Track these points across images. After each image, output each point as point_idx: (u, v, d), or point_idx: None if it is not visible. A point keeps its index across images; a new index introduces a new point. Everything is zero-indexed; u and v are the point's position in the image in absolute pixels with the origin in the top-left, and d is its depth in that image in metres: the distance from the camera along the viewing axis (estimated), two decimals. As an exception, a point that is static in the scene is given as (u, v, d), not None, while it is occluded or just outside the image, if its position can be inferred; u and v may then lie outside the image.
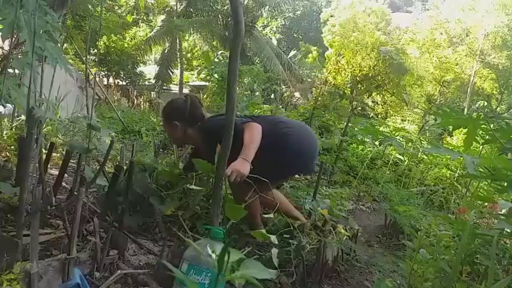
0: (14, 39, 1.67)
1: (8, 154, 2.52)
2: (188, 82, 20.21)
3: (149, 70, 19.15)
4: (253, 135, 1.89)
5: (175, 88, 19.29)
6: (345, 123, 4.56)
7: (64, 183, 2.17)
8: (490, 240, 1.36)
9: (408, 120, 13.13)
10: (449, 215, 3.06)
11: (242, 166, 1.75)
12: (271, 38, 22.50)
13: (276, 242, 1.70)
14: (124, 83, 16.43)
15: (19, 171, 1.68)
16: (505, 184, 1.25)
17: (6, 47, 2.02)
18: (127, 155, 2.54)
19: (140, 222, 1.97)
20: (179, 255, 1.43)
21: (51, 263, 1.29)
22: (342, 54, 12.93)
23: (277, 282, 1.74)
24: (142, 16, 18.23)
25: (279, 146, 1.99)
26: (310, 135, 2.17)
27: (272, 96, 15.72)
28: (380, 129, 4.66)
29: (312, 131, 2.32)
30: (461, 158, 1.34)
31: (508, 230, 1.31)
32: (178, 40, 17.87)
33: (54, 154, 2.77)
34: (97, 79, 11.15)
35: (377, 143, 4.66)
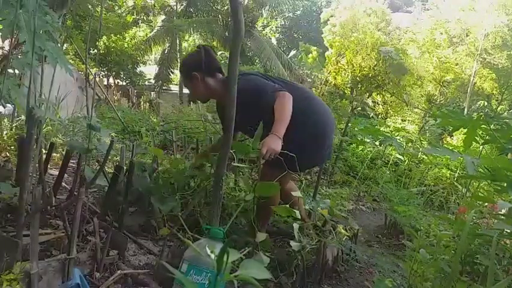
0: (14, 39, 1.67)
1: (8, 154, 2.52)
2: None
3: (149, 70, 19.16)
4: (286, 108, 1.82)
5: (175, 88, 19.29)
6: (345, 123, 4.55)
7: (63, 183, 2.17)
8: (490, 240, 1.36)
9: (409, 120, 13.12)
10: (449, 215, 3.06)
11: (275, 143, 1.72)
12: (271, 38, 22.50)
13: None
14: (124, 83, 16.43)
15: (19, 171, 1.68)
16: (505, 184, 1.25)
17: (6, 47, 2.02)
18: (127, 155, 2.54)
19: (140, 222, 1.97)
20: (180, 255, 1.43)
21: (51, 263, 1.29)
22: (343, 55, 12.92)
23: (277, 283, 1.74)
24: (142, 16, 18.22)
25: (307, 124, 1.96)
26: (331, 117, 2.16)
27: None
28: (380, 129, 4.66)
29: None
30: (461, 158, 1.34)
31: (508, 230, 1.31)
32: (178, 40, 17.88)
33: (54, 154, 2.77)
34: (97, 79, 11.15)
35: (377, 143, 4.66)
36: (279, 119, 1.80)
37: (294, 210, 1.73)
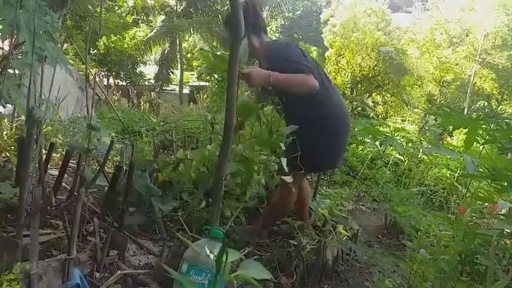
0: (14, 39, 1.67)
1: (8, 154, 2.52)
2: (188, 82, 20.21)
3: (149, 70, 19.16)
4: (301, 82, 1.77)
5: (175, 88, 19.30)
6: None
7: (63, 184, 2.17)
8: (490, 240, 1.36)
9: (409, 120, 13.12)
10: (449, 215, 3.06)
11: (261, 75, 1.72)
12: (271, 39, 22.47)
13: None
14: (124, 83, 16.43)
15: (19, 172, 1.68)
16: (505, 184, 1.25)
17: (6, 47, 2.02)
18: (127, 155, 2.54)
19: (140, 221, 1.97)
20: (180, 255, 1.43)
21: (51, 263, 1.29)
22: (342, 55, 12.92)
23: (277, 283, 1.74)
24: (142, 16, 18.22)
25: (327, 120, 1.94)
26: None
27: (272, 96, 15.67)
28: (380, 129, 4.66)
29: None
30: (461, 158, 1.34)
31: (508, 230, 1.31)
32: (178, 40, 17.88)
33: (54, 154, 2.77)
34: (97, 79, 11.15)
35: (377, 143, 4.66)
36: (288, 76, 1.77)
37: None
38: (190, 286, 0.93)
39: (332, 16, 14.30)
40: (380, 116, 13.36)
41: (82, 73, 7.83)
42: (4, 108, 2.94)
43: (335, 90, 2.09)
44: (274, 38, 24.21)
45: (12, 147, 2.58)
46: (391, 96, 13.12)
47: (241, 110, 1.76)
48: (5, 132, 2.80)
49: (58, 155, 2.98)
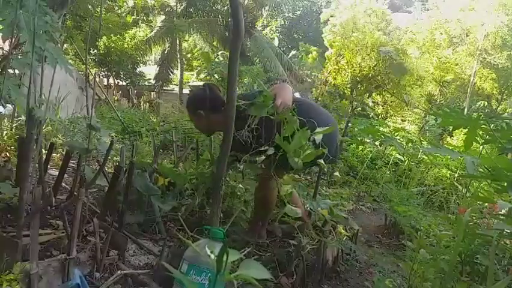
0: (14, 39, 1.67)
1: (8, 154, 2.52)
2: (188, 82, 20.23)
3: (149, 70, 19.17)
4: (287, 93, 1.87)
5: (175, 88, 19.30)
6: (345, 123, 4.56)
7: (63, 184, 2.17)
8: (490, 240, 1.36)
9: (409, 120, 13.12)
10: (449, 215, 3.06)
11: (288, 94, 1.82)
12: (273, 39, 22.50)
13: None
14: (124, 84, 16.44)
15: (19, 172, 1.68)
16: (505, 184, 1.25)
17: (6, 47, 2.02)
18: (127, 155, 2.54)
19: (141, 221, 1.97)
20: (180, 255, 1.43)
21: (51, 263, 1.29)
22: (342, 55, 12.92)
23: (277, 283, 1.74)
24: (142, 16, 18.23)
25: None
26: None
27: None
28: (380, 129, 4.66)
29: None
30: (461, 158, 1.34)
31: (508, 230, 1.31)
32: (178, 40, 17.88)
33: (54, 154, 2.77)
34: (97, 79, 11.15)
35: (377, 143, 4.66)
36: (281, 88, 1.89)
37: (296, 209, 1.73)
38: (191, 285, 0.93)
39: (332, 16, 14.30)
40: (380, 116, 13.35)
41: (82, 73, 7.83)
42: (4, 108, 2.94)
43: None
44: (274, 38, 24.23)
45: (12, 147, 2.58)
46: (391, 96, 13.11)
47: (253, 107, 1.81)
48: (5, 132, 2.80)
49: (58, 155, 2.98)
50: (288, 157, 1.72)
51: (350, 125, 4.86)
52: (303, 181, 3.63)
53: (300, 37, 24.73)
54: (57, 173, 1.98)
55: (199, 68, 19.53)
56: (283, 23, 25.93)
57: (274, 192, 2.03)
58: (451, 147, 3.14)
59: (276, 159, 1.78)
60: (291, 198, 2.04)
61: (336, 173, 3.40)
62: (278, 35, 25.56)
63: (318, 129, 1.80)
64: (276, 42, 21.40)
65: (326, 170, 2.80)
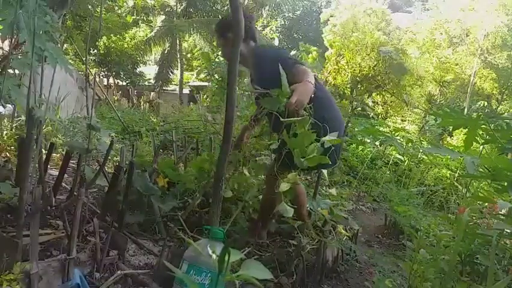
0: (14, 39, 1.67)
1: (8, 154, 2.52)
2: (188, 82, 20.23)
3: (149, 70, 19.17)
4: (306, 89, 1.67)
5: (175, 88, 19.30)
6: (345, 123, 4.56)
7: (63, 184, 2.17)
8: (490, 240, 1.36)
9: (409, 120, 13.12)
10: (449, 215, 3.06)
11: (306, 92, 1.62)
12: (273, 39, 22.48)
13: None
14: (124, 84, 16.44)
15: (19, 172, 1.68)
16: (505, 184, 1.25)
17: (6, 47, 2.02)
18: (127, 155, 2.54)
19: (141, 221, 1.97)
20: (180, 255, 1.43)
21: (51, 263, 1.29)
22: (342, 55, 12.92)
23: (277, 283, 1.74)
24: (142, 16, 18.23)
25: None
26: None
27: (272, 96, 15.65)
28: (380, 129, 4.66)
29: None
30: (461, 158, 1.34)
31: (508, 230, 1.31)
32: (178, 40, 17.88)
33: (54, 154, 2.77)
34: (97, 79, 11.15)
35: (377, 143, 4.66)
36: (304, 75, 1.71)
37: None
38: (192, 285, 0.93)
39: (332, 16, 14.30)
40: (380, 116, 13.35)
41: (82, 73, 7.83)
42: (4, 108, 2.94)
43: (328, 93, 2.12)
44: (275, 38, 24.23)
45: (12, 147, 2.58)
46: (391, 96, 13.11)
47: (266, 103, 1.70)
48: (5, 132, 2.80)
49: (58, 155, 2.98)
50: (294, 155, 1.69)
51: (350, 125, 4.86)
52: (303, 181, 3.63)
53: (300, 37, 24.72)
54: (57, 173, 1.98)
55: (199, 68, 19.52)
56: (283, 23, 25.92)
57: (300, 188, 2.03)
58: (450, 147, 3.14)
59: (281, 156, 1.75)
60: (297, 198, 2.03)
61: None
62: (278, 35, 25.54)
63: (328, 136, 1.69)
64: (276, 42, 21.38)
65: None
